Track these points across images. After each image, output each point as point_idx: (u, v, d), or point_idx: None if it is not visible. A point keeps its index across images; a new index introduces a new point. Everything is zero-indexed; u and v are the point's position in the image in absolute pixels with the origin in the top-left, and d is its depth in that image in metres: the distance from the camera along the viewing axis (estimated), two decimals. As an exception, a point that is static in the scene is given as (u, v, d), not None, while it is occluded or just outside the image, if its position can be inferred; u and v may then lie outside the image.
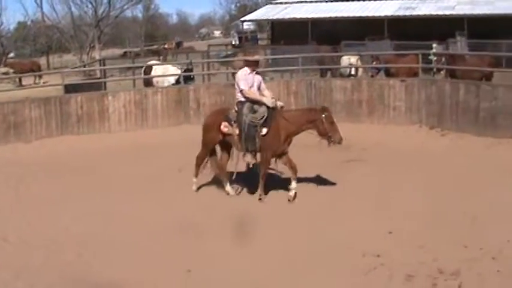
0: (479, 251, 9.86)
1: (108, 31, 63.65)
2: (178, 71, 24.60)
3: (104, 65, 33.91)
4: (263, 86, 13.67)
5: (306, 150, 14.26)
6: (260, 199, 13.37)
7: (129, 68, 34.52)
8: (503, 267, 9.19)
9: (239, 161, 13.82)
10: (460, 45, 36.66)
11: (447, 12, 39.84)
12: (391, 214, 11.99)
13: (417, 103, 20.42)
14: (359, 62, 27.73)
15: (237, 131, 13.34)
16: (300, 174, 13.57)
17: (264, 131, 13.18)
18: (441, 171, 15.23)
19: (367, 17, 41.65)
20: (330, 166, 15.61)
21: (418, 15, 40.49)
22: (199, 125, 20.49)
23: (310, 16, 43.33)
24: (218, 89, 22.31)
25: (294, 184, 13.37)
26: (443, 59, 26.58)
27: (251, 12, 53.54)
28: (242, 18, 53.27)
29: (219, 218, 12.22)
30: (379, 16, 40.96)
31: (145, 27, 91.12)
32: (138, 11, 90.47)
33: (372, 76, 26.20)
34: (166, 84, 24.04)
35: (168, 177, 15.54)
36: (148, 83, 25.29)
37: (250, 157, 13.50)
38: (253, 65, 13.64)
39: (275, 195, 13.71)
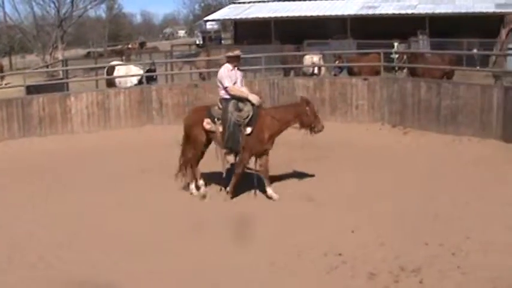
0: (439, 248, 9.97)
1: (71, 31, 63.10)
2: (141, 71, 24.51)
3: (67, 66, 33.67)
4: (242, 82, 13.63)
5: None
6: (231, 198, 13.40)
7: (92, 69, 34.28)
8: (462, 263, 9.30)
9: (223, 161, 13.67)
10: (422, 43, 36.98)
11: (409, 11, 40.14)
12: (355, 212, 12.07)
13: (379, 101, 20.64)
14: (321, 61, 27.85)
15: (221, 129, 13.21)
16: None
17: (249, 130, 13.10)
18: (404, 169, 15.38)
19: (330, 16, 41.82)
20: (293, 164, 15.70)
21: (381, 14, 40.73)
22: (162, 125, 20.83)
23: (273, 15, 43.34)
24: (181, 89, 22.27)
25: (269, 190, 13.37)
26: (405, 57, 26.77)
27: (215, 12, 53.42)
28: (205, 18, 53.17)
29: (181, 220, 12.24)
30: (342, 15, 41.15)
31: (109, 27, 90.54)
32: (101, 11, 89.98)
33: (335, 75, 26.30)
34: (129, 84, 23.91)
35: (131, 178, 15.51)
36: (110, 83, 25.15)
37: (232, 156, 13.45)
38: (235, 61, 13.44)
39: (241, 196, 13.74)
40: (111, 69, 25.79)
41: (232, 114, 13.02)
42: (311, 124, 13.31)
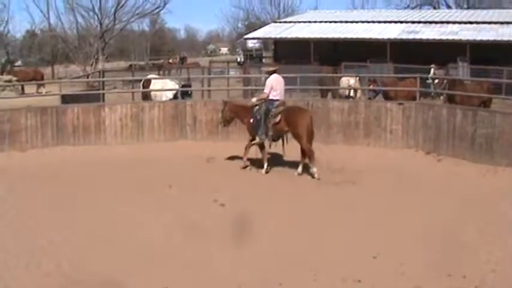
0: (462, 280, 9.68)
1: (114, 43, 63.77)
2: (177, 86, 24.52)
3: (103, 77, 33.82)
4: None
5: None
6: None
7: (129, 81, 34.37)
8: (485, 297, 9.07)
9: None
10: (462, 70, 36.48)
11: (450, 37, 39.69)
12: (379, 238, 11.83)
13: (414, 127, 20.33)
14: (358, 84, 27.66)
15: None
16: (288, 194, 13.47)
17: None
18: (434, 197, 14.99)
19: (370, 39, 41.54)
20: (322, 187, 15.53)
21: (421, 39, 40.35)
22: (195, 141, 20.76)
23: (312, 36, 43.14)
24: (215, 105, 22.05)
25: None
26: (444, 82, 26.39)
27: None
28: (245, 36, 53.17)
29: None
30: (382, 39, 40.78)
31: (152, 41, 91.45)
32: (145, 25, 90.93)
33: (369, 98, 26.06)
34: (164, 98, 23.97)
35: (156, 192, 15.40)
36: (146, 96, 25.23)
37: None
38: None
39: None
40: (147, 83, 25.89)
41: None
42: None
